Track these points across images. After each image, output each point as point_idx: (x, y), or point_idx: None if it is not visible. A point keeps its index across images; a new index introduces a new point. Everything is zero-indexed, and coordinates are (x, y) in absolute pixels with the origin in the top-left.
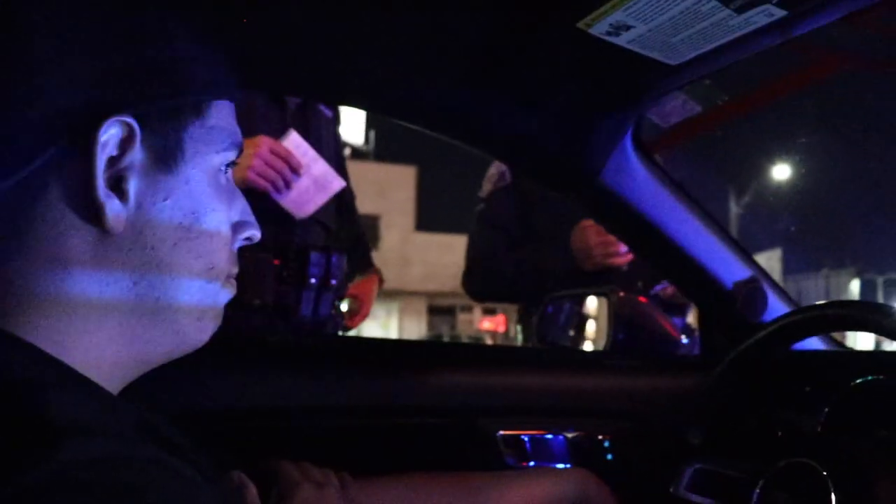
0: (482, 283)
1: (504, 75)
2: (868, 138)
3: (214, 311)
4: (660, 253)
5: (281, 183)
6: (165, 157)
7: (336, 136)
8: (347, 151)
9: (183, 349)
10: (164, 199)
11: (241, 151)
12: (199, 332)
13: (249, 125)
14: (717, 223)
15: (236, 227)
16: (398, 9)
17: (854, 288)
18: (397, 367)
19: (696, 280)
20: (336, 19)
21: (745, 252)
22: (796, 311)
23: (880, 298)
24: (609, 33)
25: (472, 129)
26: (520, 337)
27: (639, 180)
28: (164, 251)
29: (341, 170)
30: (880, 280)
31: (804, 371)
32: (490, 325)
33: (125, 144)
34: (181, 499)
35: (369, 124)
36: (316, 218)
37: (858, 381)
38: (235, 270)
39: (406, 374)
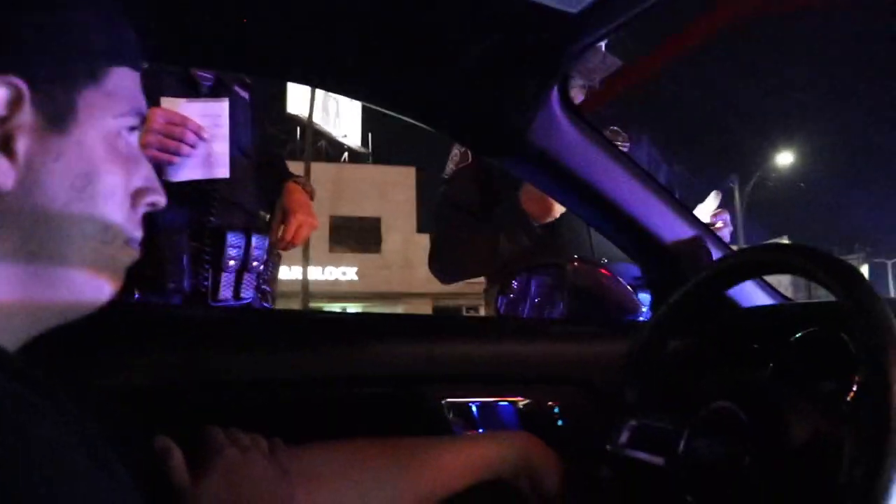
0: (448, 264)
1: (412, 38)
2: (870, 120)
3: (111, 271)
4: (597, 212)
5: (185, 149)
6: (56, 118)
7: (255, 120)
8: (345, 156)
9: (79, 309)
10: (55, 160)
11: (143, 119)
12: (96, 292)
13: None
14: (658, 183)
15: (139, 192)
16: None
17: (863, 273)
18: (338, 339)
19: (637, 240)
20: None
21: (689, 211)
22: (720, 259)
23: (890, 281)
24: None
25: (392, 96)
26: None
27: (568, 139)
28: (54, 210)
29: (262, 154)
30: (889, 263)
31: (751, 328)
32: None
33: (13, 105)
34: (36, 429)
35: (366, 126)
36: (235, 200)
37: (798, 335)
38: (139, 235)
39: (347, 346)
